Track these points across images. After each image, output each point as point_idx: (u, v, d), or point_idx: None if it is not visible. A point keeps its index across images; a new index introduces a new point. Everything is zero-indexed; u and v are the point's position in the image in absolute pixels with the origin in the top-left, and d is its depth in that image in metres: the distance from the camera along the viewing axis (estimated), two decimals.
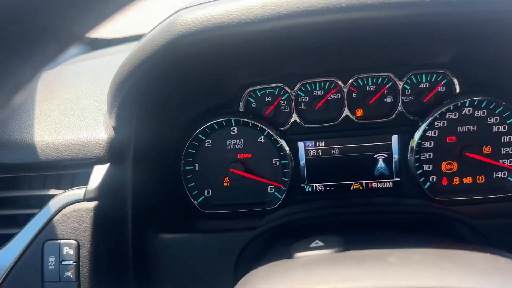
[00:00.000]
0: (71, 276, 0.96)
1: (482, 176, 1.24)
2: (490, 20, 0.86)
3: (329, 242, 0.80)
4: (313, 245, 0.80)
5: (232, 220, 1.28)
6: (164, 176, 1.25)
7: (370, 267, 0.68)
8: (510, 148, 1.23)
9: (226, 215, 1.31)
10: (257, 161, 1.32)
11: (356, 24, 0.83)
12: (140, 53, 0.87)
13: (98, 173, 1.01)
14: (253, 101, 1.33)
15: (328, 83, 1.30)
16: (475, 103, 1.21)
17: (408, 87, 1.27)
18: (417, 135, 1.23)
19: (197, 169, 1.32)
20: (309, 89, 1.31)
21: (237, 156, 1.31)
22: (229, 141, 1.31)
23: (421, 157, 1.26)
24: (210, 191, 1.33)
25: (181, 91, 1.14)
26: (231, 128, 1.31)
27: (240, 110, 1.32)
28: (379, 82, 1.28)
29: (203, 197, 1.33)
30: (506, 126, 1.22)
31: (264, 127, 1.28)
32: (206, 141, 1.32)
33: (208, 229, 1.21)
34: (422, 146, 1.25)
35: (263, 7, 0.83)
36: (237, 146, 1.31)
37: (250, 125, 1.29)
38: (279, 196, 1.30)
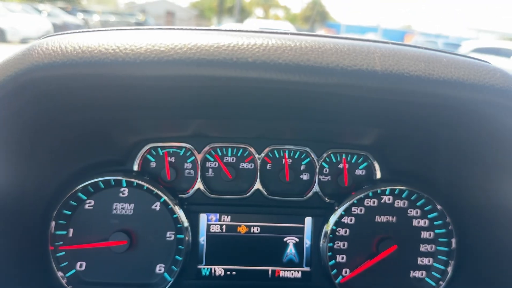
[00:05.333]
0: None
1: (398, 274, 1.11)
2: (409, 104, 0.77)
3: None
4: None
5: None
6: (16, 240, 0.97)
7: None
8: (429, 246, 1.11)
9: None
10: (147, 232, 1.09)
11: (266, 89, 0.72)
12: None
13: None
14: (152, 159, 1.13)
15: (241, 150, 1.14)
16: (396, 192, 1.10)
17: (326, 166, 1.14)
18: (332, 219, 1.09)
19: (71, 235, 1.07)
20: (220, 154, 1.14)
21: (124, 224, 1.08)
22: (116, 205, 1.09)
23: (335, 246, 1.11)
24: (84, 264, 1.07)
25: (53, 136, 0.92)
26: (121, 190, 1.09)
27: (134, 169, 1.12)
28: (296, 157, 1.15)
29: (73, 271, 1.07)
30: (427, 221, 1.11)
31: (161, 193, 1.08)
32: (87, 201, 1.08)
33: None
34: (337, 233, 1.11)
35: (149, 48, 0.68)
36: (126, 211, 1.09)
37: (145, 188, 1.08)
38: (169, 279, 1.08)
